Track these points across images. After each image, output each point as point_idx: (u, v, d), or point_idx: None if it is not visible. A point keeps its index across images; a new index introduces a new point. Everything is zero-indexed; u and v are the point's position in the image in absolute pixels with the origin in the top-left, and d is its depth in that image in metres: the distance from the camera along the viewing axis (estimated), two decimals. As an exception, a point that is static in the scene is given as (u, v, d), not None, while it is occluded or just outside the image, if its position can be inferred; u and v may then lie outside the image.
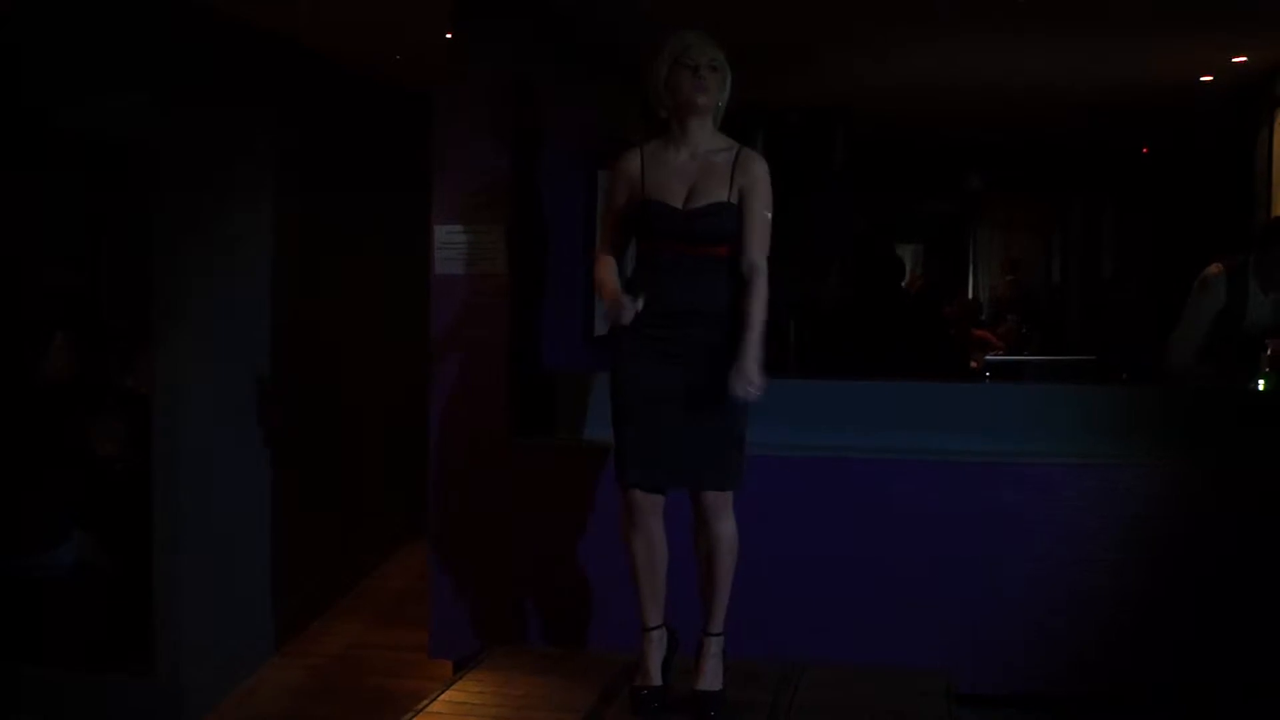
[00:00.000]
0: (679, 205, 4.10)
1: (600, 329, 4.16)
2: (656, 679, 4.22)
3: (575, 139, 6.10)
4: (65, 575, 5.94)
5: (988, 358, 8.02)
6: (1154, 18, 5.93)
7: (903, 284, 8.83)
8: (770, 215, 4.15)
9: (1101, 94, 8.12)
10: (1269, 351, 5.60)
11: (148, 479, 5.70)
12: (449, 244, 5.21)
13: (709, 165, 4.13)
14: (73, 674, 5.77)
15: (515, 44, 5.27)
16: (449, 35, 5.28)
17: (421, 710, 4.24)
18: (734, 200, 4.09)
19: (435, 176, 5.25)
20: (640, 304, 4.04)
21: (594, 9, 5.80)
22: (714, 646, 4.21)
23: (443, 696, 4.36)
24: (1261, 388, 5.52)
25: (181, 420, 5.69)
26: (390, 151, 7.58)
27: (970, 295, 13.00)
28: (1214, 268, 5.89)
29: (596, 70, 6.57)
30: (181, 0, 5.52)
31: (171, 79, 5.66)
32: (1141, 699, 4.80)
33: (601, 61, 6.54)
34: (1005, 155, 11.82)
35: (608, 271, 4.26)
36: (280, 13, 5.81)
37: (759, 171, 4.14)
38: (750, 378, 3.96)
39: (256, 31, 6.07)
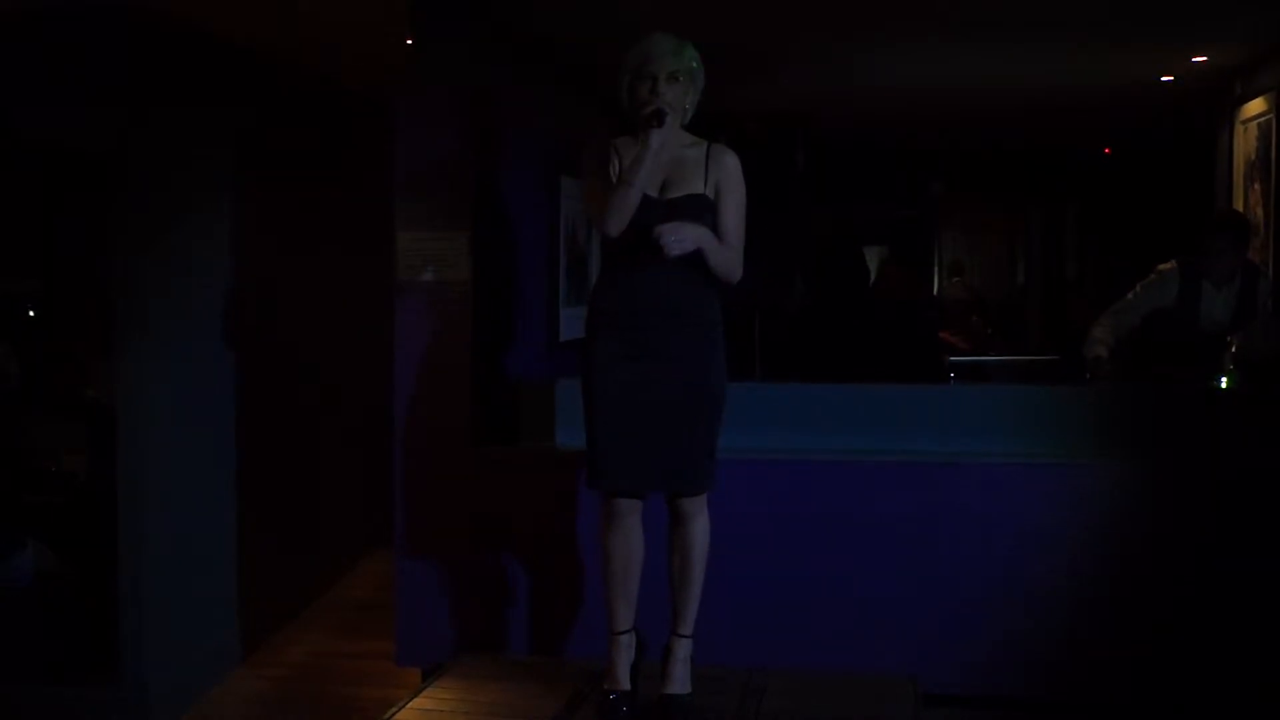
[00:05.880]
0: (656, 195, 4.03)
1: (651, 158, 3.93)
2: (625, 683, 4.18)
3: (537, 145, 6.10)
4: (23, 586, 5.89)
5: (952, 358, 8.06)
6: (1114, 18, 5.95)
7: (870, 287, 8.85)
8: (744, 206, 4.10)
9: (1063, 95, 8.15)
10: (1233, 349, 5.65)
11: (111, 489, 5.65)
12: (412, 251, 5.18)
13: (682, 160, 4.08)
14: (37, 686, 5.72)
15: (474, 50, 5.26)
16: (409, 41, 5.26)
17: (389, 718, 4.21)
18: (710, 194, 4.05)
19: (397, 183, 5.22)
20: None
21: (552, 16, 5.79)
22: (683, 650, 4.18)
23: (411, 704, 4.33)
24: (1225, 385, 5.56)
25: (143, 430, 5.64)
26: (352, 157, 7.56)
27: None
28: (1168, 264, 5.99)
29: (557, 76, 6.56)
30: (140, 8, 5.48)
31: (130, 86, 5.62)
32: (1105, 699, 4.82)
33: (562, 67, 6.53)
34: (968, 158, 11.87)
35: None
36: (239, 20, 5.78)
37: (731, 165, 4.10)
38: (678, 229, 3.89)
39: (215, 39, 6.04)
